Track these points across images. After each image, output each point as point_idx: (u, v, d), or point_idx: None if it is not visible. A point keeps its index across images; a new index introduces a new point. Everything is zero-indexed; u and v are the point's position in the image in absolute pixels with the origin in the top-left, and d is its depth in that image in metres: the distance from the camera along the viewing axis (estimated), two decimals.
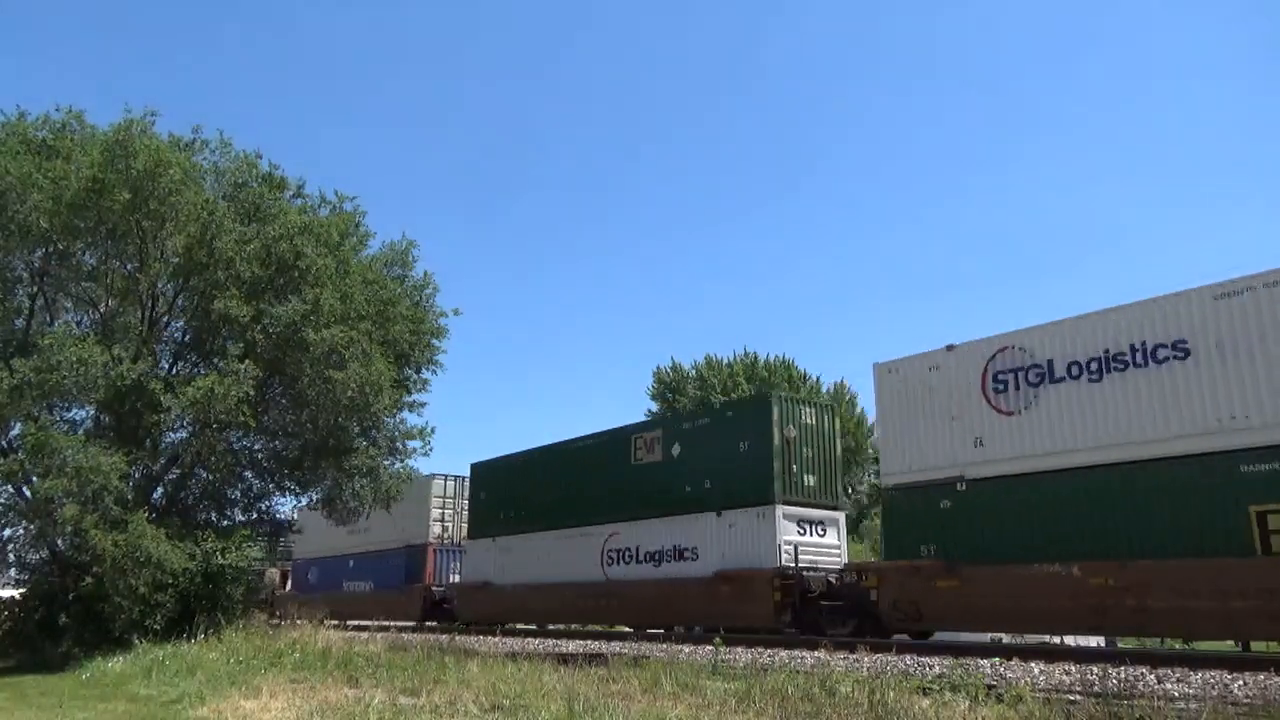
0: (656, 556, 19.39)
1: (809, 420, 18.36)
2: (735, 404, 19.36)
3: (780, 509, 17.14)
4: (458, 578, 27.11)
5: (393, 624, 25.11)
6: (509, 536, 24.17)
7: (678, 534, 18.98)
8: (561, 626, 21.45)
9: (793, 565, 16.77)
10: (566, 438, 24.01)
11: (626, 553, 20.21)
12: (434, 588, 26.97)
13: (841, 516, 18.69)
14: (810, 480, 17.95)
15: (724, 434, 18.59)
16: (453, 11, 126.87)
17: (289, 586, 35.80)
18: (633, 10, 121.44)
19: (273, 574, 35.43)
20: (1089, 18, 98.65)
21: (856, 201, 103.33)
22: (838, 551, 18.00)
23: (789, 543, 17.05)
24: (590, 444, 22.83)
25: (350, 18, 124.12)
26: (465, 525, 27.71)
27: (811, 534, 17.67)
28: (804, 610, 16.49)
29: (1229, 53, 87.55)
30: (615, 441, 21.53)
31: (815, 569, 17.03)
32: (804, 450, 17.98)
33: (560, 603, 21.68)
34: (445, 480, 28.74)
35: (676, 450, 19.78)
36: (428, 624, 24.81)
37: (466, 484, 28.08)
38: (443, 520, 28.26)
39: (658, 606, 19.04)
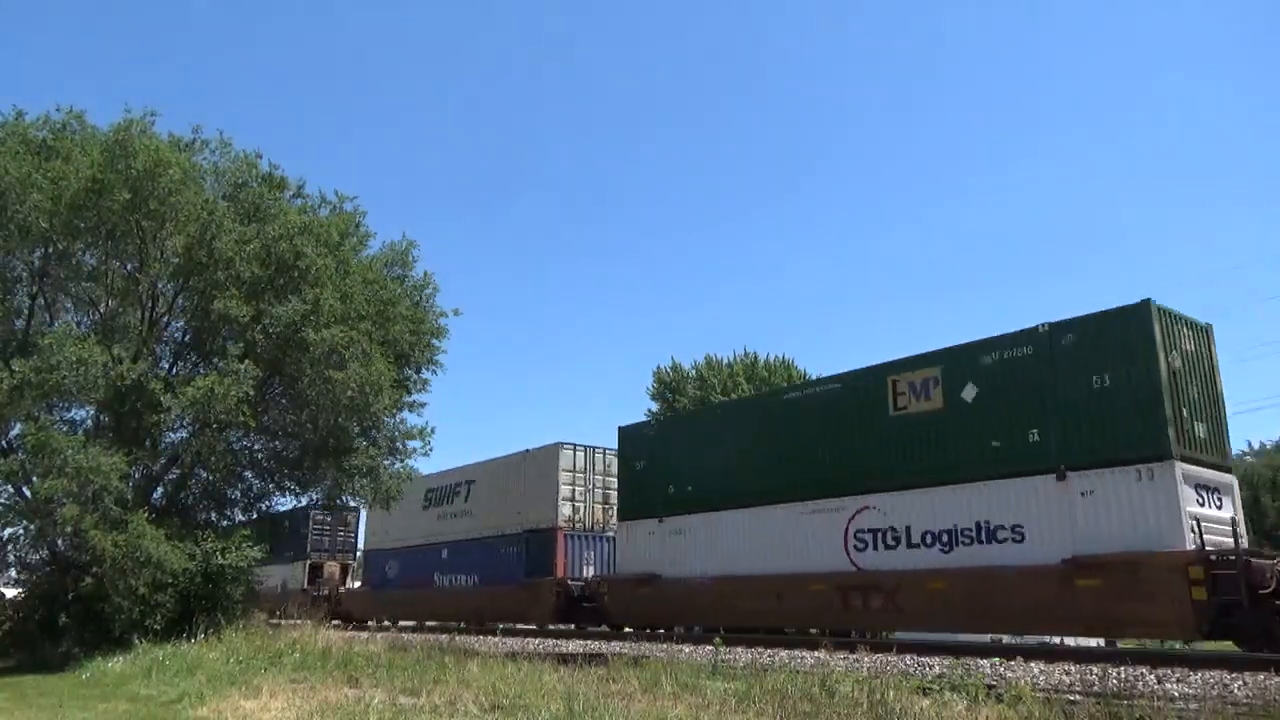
0: (945, 538, 14.45)
1: (1187, 345, 13.35)
2: (1081, 323, 13.51)
3: (1179, 468, 12.19)
4: (593, 569, 22.49)
5: (513, 628, 21.29)
6: (685, 516, 18.85)
7: (983, 506, 14.02)
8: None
9: (1231, 548, 11.76)
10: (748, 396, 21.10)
11: (889, 533, 15.23)
12: (571, 581, 22.09)
13: (1235, 481, 13.71)
14: (1200, 430, 13.07)
15: (1062, 365, 13.56)
16: (454, 12, 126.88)
17: (354, 582, 32.78)
18: (633, 10, 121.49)
19: (331, 568, 32.67)
20: (1089, 17, 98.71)
21: (856, 201, 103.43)
22: (1230, 528, 12.81)
23: (1202, 518, 12.19)
24: (818, 392, 17.60)
25: (350, 20, 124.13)
26: (601, 505, 23.34)
27: (1209, 504, 12.79)
28: (1254, 613, 11.19)
29: (1230, 52, 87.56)
30: (862, 386, 16.38)
31: (1260, 554, 11.97)
32: (1189, 387, 13.06)
33: (776, 601, 16.61)
34: (575, 451, 23.61)
35: (971, 393, 14.61)
36: (565, 628, 21.30)
37: (601, 456, 23.69)
38: (573, 499, 23.15)
39: (954, 606, 14.02)
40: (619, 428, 21.90)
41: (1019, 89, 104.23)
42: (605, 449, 23.65)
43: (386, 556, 30.05)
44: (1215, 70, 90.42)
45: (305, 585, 31.73)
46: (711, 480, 18.71)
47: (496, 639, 18.07)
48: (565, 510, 22.95)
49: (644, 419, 35.56)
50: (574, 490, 23.29)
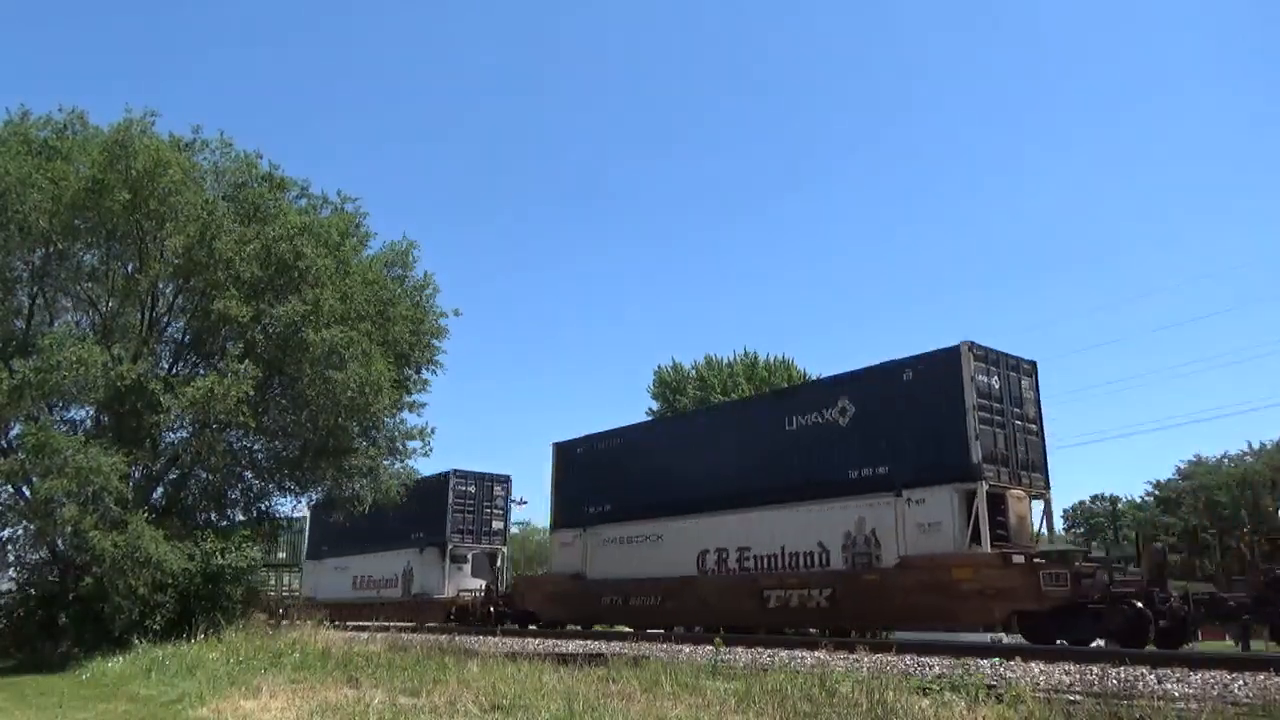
0: None
1: None
2: None
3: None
4: None
5: None
6: None
7: None
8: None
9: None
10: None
11: None
12: None
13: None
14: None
15: None
16: (454, 12, 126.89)
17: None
18: (635, 10, 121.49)
19: (1019, 501, 15.65)
20: (1090, 17, 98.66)
21: (857, 202, 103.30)
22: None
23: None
24: None
25: (350, 21, 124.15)
26: None
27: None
28: None
29: (1231, 55, 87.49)
30: None
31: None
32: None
33: None
34: None
35: None
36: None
37: None
38: None
39: None
40: None
41: (1020, 91, 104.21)
42: None
43: None
44: (1217, 72, 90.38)
45: (974, 543, 14.87)
46: None
47: (496, 639, 17.98)
48: None
49: (646, 418, 34.85)
50: None
